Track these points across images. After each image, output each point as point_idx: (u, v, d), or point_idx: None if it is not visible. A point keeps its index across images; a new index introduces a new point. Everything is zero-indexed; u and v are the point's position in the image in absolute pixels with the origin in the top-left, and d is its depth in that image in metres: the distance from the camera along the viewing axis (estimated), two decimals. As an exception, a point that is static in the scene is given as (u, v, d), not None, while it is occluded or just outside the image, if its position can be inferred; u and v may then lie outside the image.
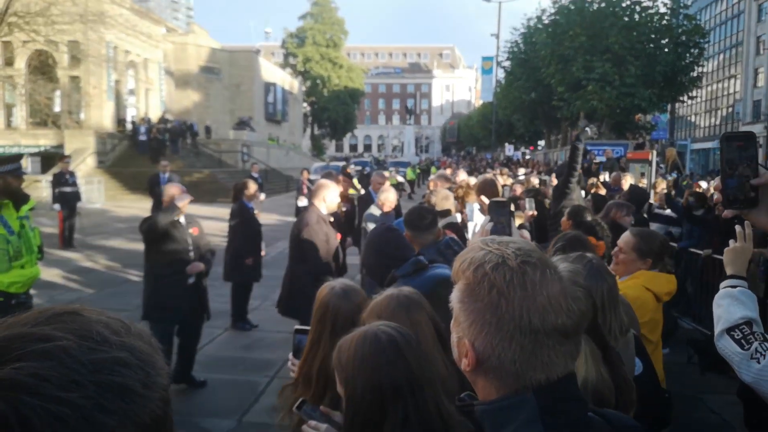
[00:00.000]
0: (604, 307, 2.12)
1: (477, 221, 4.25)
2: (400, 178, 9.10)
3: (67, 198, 12.83)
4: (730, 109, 50.91)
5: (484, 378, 1.03)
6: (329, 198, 4.85)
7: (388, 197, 5.98)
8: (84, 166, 25.93)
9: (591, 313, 1.10)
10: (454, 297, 1.06)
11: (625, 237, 3.30)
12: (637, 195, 8.52)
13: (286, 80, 52.85)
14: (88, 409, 0.53)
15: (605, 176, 12.54)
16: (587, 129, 6.61)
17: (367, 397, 1.51)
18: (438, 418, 1.51)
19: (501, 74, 45.14)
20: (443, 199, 4.68)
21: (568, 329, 0.99)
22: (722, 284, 2.48)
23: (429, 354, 1.75)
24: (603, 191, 9.09)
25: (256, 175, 14.81)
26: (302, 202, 13.40)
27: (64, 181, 13.01)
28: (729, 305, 2.38)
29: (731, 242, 2.47)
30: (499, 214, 2.08)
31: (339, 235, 4.90)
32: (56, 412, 0.52)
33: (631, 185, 9.43)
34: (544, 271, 1.01)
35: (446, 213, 4.50)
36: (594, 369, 1.62)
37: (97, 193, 22.80)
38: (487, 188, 5.09)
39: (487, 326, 0.99)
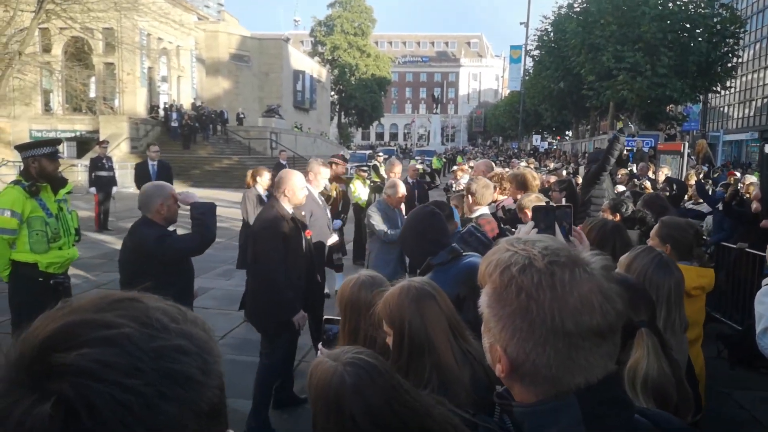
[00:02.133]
0: (670, 301, 2.07)
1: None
2: (425, 167, 8.85)
3: (102, 182, 13.14)
4: (765, 101, 49.47)
5: (520, 384, 0.99)
6: (293, 191, 4.27)
7: (398, 191, 5.79)
8: (118, 151, 26.47)
9: (627, 310, 1.00)
10: (483, 302, 1.02)
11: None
12: (677, 187, 8.52)
13: (314, 68, 52.98)
14: (151, 396, 0.54)
15: (634, 167, 12.41)
16: (630, 125, 6.50)
17: (415, 337, 1.76)
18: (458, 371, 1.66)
19: (529, 63, 44.61)
20: (484, 187, 4.47)
21: (603, 330, 0.94)
22: (764, 281, 2.46)
23: (438, 346, 1.78)
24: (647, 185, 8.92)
25: (284, 162, 14.53)
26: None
27: (100, 165, 13.32)
28: None
29: None
30: (544, 220, 2.05)
31: (309, 232, 4.51)
32: (121, 399, 0.53)
33: (667, 177, 9.35)
34: (573, 269, 0.96)
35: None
36: (656, 364, 1.60)
37: (131, 177, 23.27)
38: (522, 184, 5.11)
39: (518, 332, 0.95)
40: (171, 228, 3.86)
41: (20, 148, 4.34)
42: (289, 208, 4.30)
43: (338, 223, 7.68)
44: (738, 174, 12.19)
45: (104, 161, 13.46)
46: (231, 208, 13.00)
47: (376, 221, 5.54)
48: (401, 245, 3.22)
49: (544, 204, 2.28)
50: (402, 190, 5.90)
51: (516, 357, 0.96)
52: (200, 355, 0.61)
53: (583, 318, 0.93)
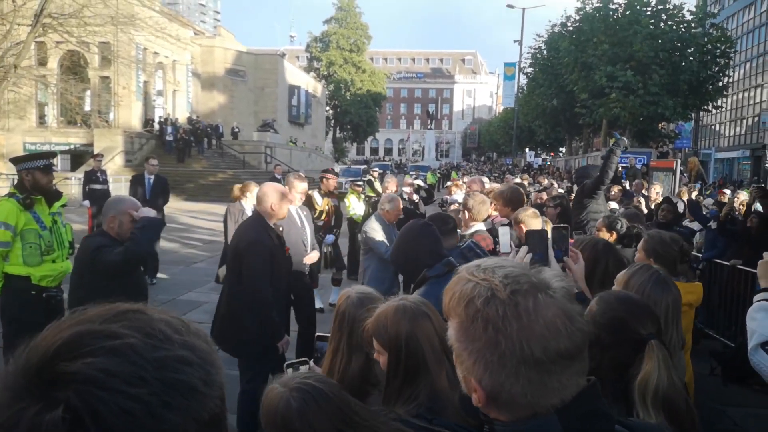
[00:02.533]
0: (668, 318, 2.07)
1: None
2: (420, 182, 8.71)
3: (96, 195, 13.06)
4: (756, 119, 50.02)
5: (498, 412, 1.00)
6: (278, 206, 4.08)
7: (396, 207, 5.63)
8: (112, 165, 26.43)
9: (591, 327, 1.04)
10: (451, 335, 1.02)
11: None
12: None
13: (309, 83, 53.24)
14: (154, 405, 0.55)
15: (626, 184, 12.48)
16: (624, 139, 6.51)
17: (415, 358, 1.70)
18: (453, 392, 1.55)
19: (523, 80, 45.01)
20: (480, 203, 4.46)
21: (571, 351, 0.96)
22: (756, 297, 2.46)
23: (432, 368, 1.75)
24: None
25: (279, 176, 14.43)
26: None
27: (94, 178, 13.27)
28: (764, 319, 2.35)
29: (766, 254, 2.41)
30: (539, 245, 2.02)
31: (287, 249, 4.35)
32: (125, 407, 0.54)
33: (666, 197, 9.30)
34: (536, 296, 0.96)
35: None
36: (666, 375, 1.60)
37: (125, 190, 23.23)
38: (515, 201, 5.05)
39: (490, 365, 0.96)
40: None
41: (14, 160, 4.33)
42: (271, 224, 4.11)
43: (331, 238, 7.59)
44: (728, 192, 12.29)
45: (98, 174, 13.41)
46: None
47: (376, 237, 5.37)
48: (393, 260, 3.16)
49: (538, 229, 2.26)
50: (400, 205, 5.79)
51: (491, 389, 0.97)
52: (202, 366, 0.62)
53: (550, 344, 0.94)
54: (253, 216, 4.23)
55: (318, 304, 7.12)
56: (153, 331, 0.61)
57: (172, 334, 0.62)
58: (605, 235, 4.13)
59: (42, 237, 4.18)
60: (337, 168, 14.97)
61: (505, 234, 3.86)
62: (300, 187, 5.88)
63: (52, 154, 4.54)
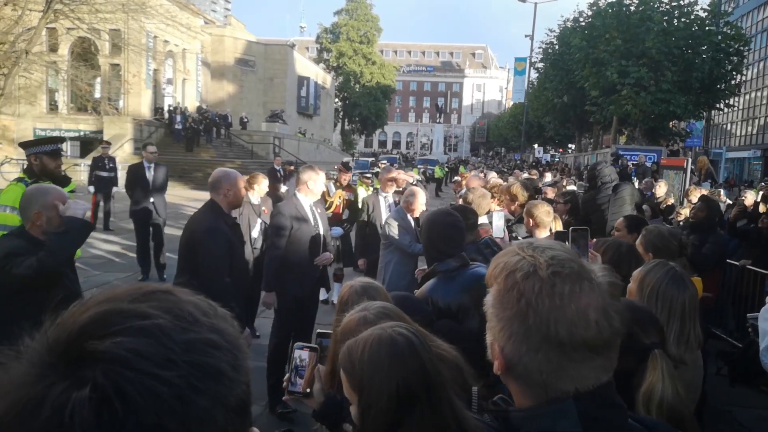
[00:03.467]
0: (684, 315, 2.05)
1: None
2: (407, 177, 8.22)
3: (102, 183, 13.10)
4: (769, 119, 49.66)
5: (514, 384, 1.03)
6: (235, 192, 3.89)
7: (419, 200, 5.40)
8: (121, 152, 26.52)
9: (624, 330, 1.02)
10: (487, 301, 1.06)
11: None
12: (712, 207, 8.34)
13: (319, 75, 53.18)
14: (183, 387, 0.54)
15: (636, 182, 12.40)
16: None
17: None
18: (453, 422, 1.42)
19: (533, 76, 44.78)
20: (480, 197, 4.50)
21: (597, 344, 0.96)
22: None
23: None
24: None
25: (278, 167, 13.97)
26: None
27: (101, 165, 13.30)
28: None
29: None
30: (580, 240, 2.07)
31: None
32: (153, 389, 0.53)
33: (703, 196, 9.07)
34: (575, 283, 0.98)
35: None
36: (670, 386, 1.59)
37: (132, 179, 23.35)
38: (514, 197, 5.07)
39: (515, 335, 0.99)
40: None
41: (23, 145, 4.36)
42: (239, 207, 3.92)
43: (337, 231, 7.34)
44: (742, 191, 12.15)
45: (105, 161, 13.44)
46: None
47: (395, 232, 5.26)
48: (424, 249, 3.13)
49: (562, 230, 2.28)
50: (423, 199, 5.55)
51: (511, 358, 1.00)
52: (230, 351, 0.61)
53: (577, 330, 0.95)
54: (207, 203, 3.90)
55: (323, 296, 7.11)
56: (182, 312, 0.60)
57: (200, 317, 0.61)
58: (625, 235, 4.10)
59: None
60: (352, 163, 14.33)
61: (499, 219, 3.89)
62: (264, 183, 6.18)
63: (61, 140, 4.54)
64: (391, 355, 1.39)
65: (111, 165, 13.58)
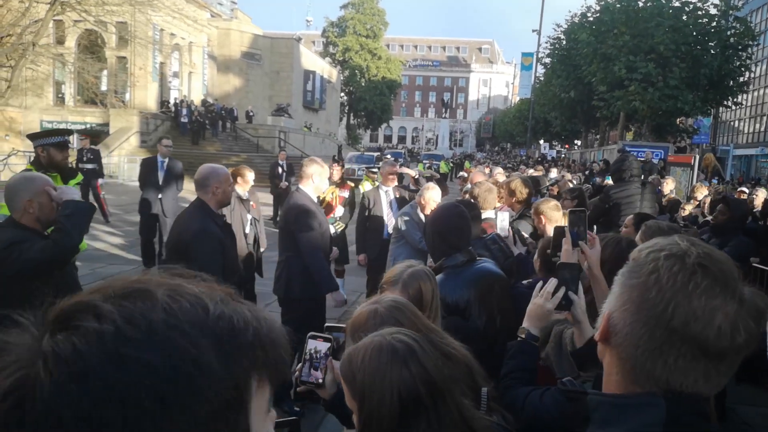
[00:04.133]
0: None
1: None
2: (409, 171, 7.91)
3: (85, 175, 13.05)
4: (777, 116, 49.31)
5: (610, 353, 1.02)
6: (224, 189, 3.71)
7: (433, 197, 5.25)
8: (127, 145, 26.64)
9: (751, 346, 0.96)
10: (621, 270, 1.05)
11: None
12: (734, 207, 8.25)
13: (325, 69, 53.11)
14: (86, 410, 0.51)
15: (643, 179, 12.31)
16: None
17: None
18: (462, 424, 1.40)
19: (540, 71, 44.57)
20: (487, 191, 4.47)
21: (709, 347, 0.92)
22: None
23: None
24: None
25: (282, 162, 13.68)
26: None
27: (80, 157, 13.18)
28: None
29: None
30: (578, 222, 2.13)
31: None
32: (55, 408, 0.50)
33: (724, 196, 8.97)
34: (716, 282, 0.94)
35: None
36: None
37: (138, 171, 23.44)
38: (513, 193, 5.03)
39: (629, 303, 0.97)
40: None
41: (31, 137, 4.38)
42: (227, 205, 3.75)
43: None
44: (746, 189, 12.09)
45: (86, 153, 13.36)
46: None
47: (409, 227, 5.23)
48: (425, 236, 3.11)
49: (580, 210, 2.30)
50: (436, 195, 5.36)
51: (615, 324, 0.99)
52: (170, 380, 0.54)
53: (694, 324, 0.92)
54: (194, 202, 3.67)
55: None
56: (141, 320, 0.56)
57: (162, 330, 0.56)
58: (630, 231, 4.08)
59: None
60: (347, 156, 13.87)
61: (503, 220, 3.90)
62: (250, 176, 5.98)
63: (68, 132, 4.56)
64: (392, 363, 1.35)
65: (90, 156, 13.42)
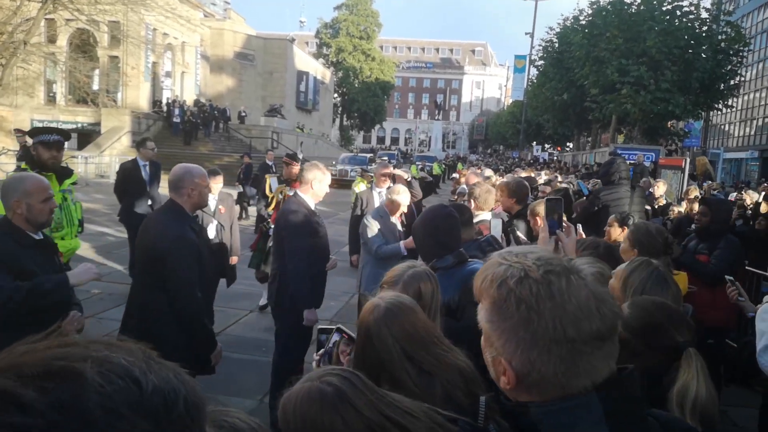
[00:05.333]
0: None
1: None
2: (402, 173, 7.58)
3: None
4: (766, 120, 49.68)
5: (528, 394, 1.01)
6: (200, 192, 3.41)
7: (402, 201, 5.15)
8: (119, 145, 26.50)
9: (621, 311, 1.04)
10: (482, 317, 1.03)
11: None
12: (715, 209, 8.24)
13: (318, 70, 53.07)
14: None
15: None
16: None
17: None
18: None
19: (533, 73, 44.75)
20: (486, 192, 4.43)
21: (603, 333, 0.96)
22: (766, 298, 2.46)
23: (391, 374, 1.66)
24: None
25: (270, 162, 13.34)
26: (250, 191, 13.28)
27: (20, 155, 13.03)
28: None
29: None
30: (554, 210, 2.19)
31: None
32: None
33: (703, 198, 8.95)
34: (569, 278, 0.97)
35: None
36: (704, 386, 1.58)
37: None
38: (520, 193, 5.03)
39: (522, 343, 0.97)
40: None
41: (30, 133, 4.37)
42: (203, 208, 3.51)
43: None
44: (737, 193, 12.18)
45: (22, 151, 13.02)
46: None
47: (370, 232, 5.05)
48: (414, 239, 3.04)
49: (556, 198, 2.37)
50: (405, 199, 5.25)
51: (522, 368, 0.98)
52: None
53: (583, 324, 0.94)
54: (168, 206, 3.37)
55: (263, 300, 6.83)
56: (75, 408, 0.49)
57: (98, 416, 0.49)
58: (616, 230, 4.10)
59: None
60: (300, 154, 13.25)
61: (496, 226, 3.94)
62: (218, 180, 5.88)
63: (60, 131, 4.43)
64: (321, 410, 1.26)
65: (21, 154, 13.13)
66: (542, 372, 0.96)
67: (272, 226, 6.47)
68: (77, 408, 0.49)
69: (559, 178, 12.33)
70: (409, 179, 8.02)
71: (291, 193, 6.89)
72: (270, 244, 6.66)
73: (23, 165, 4.31)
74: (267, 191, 6.79)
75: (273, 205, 6.74)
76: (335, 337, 1.93)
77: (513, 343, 0.97)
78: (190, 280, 3.15)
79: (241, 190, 14.93)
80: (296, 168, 6.82)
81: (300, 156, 8.80)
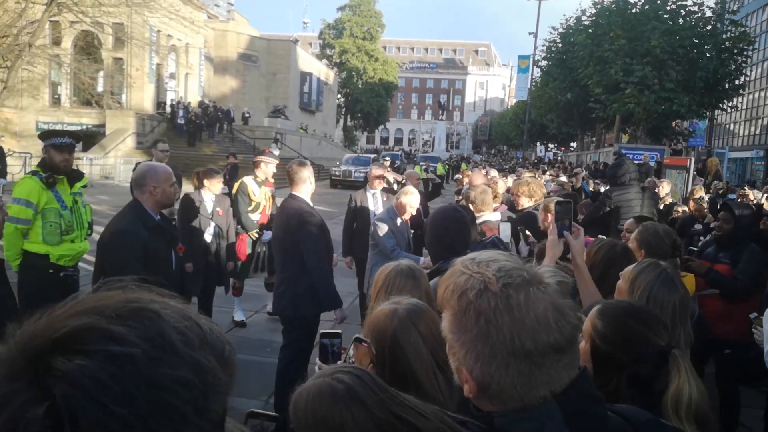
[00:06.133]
0: (675, 318, 2.03)
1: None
2: (396, 176, 7.48)
3: None
4: (772, 119, 49.55)
5: (489, 403, 1.02)
6: (163, 189, 3.42)
7: (410, 202, 5.11)
8: (123, 146, 26.59)
9: (581, 323, 1.04)
10: (444, 327, 1.05)
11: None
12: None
13: (322, 71, 53.13)
14: (136, 428, 0.52)
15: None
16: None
17: None
18: None
19: (537, 73, 44.69)
20: (482, 193, 4.46)
21: (561, 345, 0.97)
22: None
23: (418, 380, 1.64)
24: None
25: (233, 162, 13.55)
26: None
27: None
28: None
29: None
30: (564, 215, 2.19)
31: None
32: (106, 424, 0.51)
33: (725, 203, 8.70)
34: (527, 290, 0.98)
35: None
36: (695, 386, 1.58)
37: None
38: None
39: (481, 356, 0.98)
40: None
41: (40, 136, 4.37)
42: (153, 212, 3.38)
43: (269, 235, 6.27)
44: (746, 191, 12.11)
45: None
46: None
47: (382, 233, 5.05)
48: (425, 239, 3.04)
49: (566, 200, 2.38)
50: (414, 201, 5.18)
51: (482, 379, 0.99)
52: (201, 392, 0.57)
53: (541, 336, 0.96)
54: (129, 203, 3.48)
55: (239, 316, 6.64)
56: (162, 341, 0.57)
57: (180, 348, 0.57)
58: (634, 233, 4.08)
59: (62, 216, 4.21)
60: (276, 151, 13.02)
61: (506, 229, 3.96)
62: (216, 181, 5.78)
63: (71, 134, 4.47)
64: (332, 407, 1.27)
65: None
66: (501, 384, 0.98)
67: (264, 232, 6.50)
68: (163, 339, 0.56)
69: (563, 178, 12.30)
70: (404, 182, 7.89)
71: (273, 193, 6.84)
72: (260, 249, 6.59)
73: (35, 167, 4.33)
74: (251, 195, 6.52)
75: (260, 209, 6.59)
76: (351, 351, 1.85)
77: (473, 355, 0.99)
78: (119, 272, 3.00)
79: (226, 191, 14.85)
80: (273, 166, 6.65)
81: (276, 153, 8.42)
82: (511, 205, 5.64)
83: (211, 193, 5.96)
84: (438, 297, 1.07)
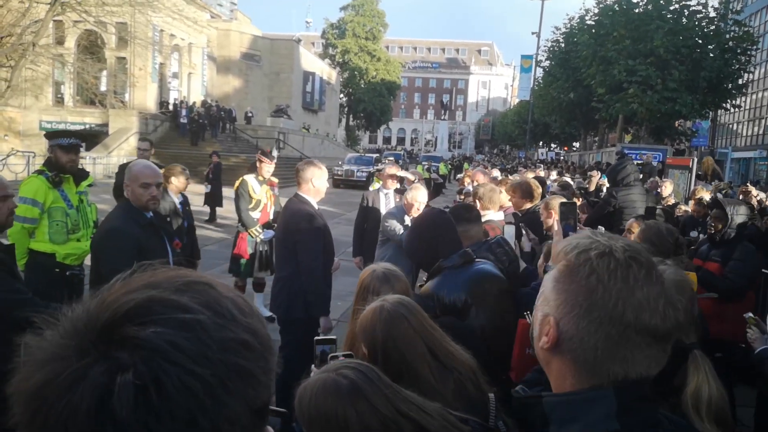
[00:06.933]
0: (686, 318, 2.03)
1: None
2: (408, 175, 7.46)
3: None
4: (776, 119, 49.40)
5: (561, 359, 1.01)
6: (137, 191, 3.33)
7: (416, 197, 5.11)
8: (126, 146, 26.63)
9: (686, 324, 1.05)
10: (549, 277, 1.05)
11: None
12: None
13: (324, 70, 53.16)
14: (215, 386, 0.55)
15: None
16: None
17: None
18: None
19: (539, 73, 44.63)
20: (491, 191, 4.40)
21: (659, 332, 0.97)
22: None
23: (417, 370, 1.67)
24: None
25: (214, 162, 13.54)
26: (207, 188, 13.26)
27: None
28: None
29: None
30: (569, 215, 2.21)
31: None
32: (188, 384, 0.53)
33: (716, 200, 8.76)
34: (649, 271, 0.99)
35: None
36: (715, 386, 1.59)
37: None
38: (527, 193, 5.08)
39: (577, 308, 0.98)
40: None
41: (47, 136, 4.43)
42: (145, 210, 3.32)
43: (269, 233, 6.49)
44: (749, 187, 12.09)
45: None
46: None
47: (394, 226, 5.13)
48: (407, 249, 3.04)
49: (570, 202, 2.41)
50: (422, 197, 5.19)
51: (566, 331, 0.99)
52: (262, 354, 0.61)
53: (644, 315, 0.96)
54: (120, 202, 3.48)
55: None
56: (221, 309, 0.60)
57: (237, 315, 0.61)
58: (636, 230, 4.09)
59: (68, 215, 4.24)
60: (275, 153, 12.96)
61: (509, 231, 3.97)
62: (182, 178, 5.68)
63: (77, 134, 4.50)
64: (337, 401, 1.30)
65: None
66: (584, 342, 0.97)
67: (265, 231, 6.55)
68: (221, 307, 0.59)
69: (566, 178, 12.29)
70: (415, 181, 7.98)
71: (275, 193, 6.93)
72: (260, 249, 6.59)
73: (41, 166, 4.36)
74: (251, 193, 6.54)
75: (261, 207, 6.59)
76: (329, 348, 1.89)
77: (569, 305, 0.99)
78: (113, 270, 3.00)
79: (208, 190, 14.39)
80: (270, 165, 6.70)
81: (275, 154, 8.41)
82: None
83: (174, 192, 5.88)
84: (554, 252, 1.09)
